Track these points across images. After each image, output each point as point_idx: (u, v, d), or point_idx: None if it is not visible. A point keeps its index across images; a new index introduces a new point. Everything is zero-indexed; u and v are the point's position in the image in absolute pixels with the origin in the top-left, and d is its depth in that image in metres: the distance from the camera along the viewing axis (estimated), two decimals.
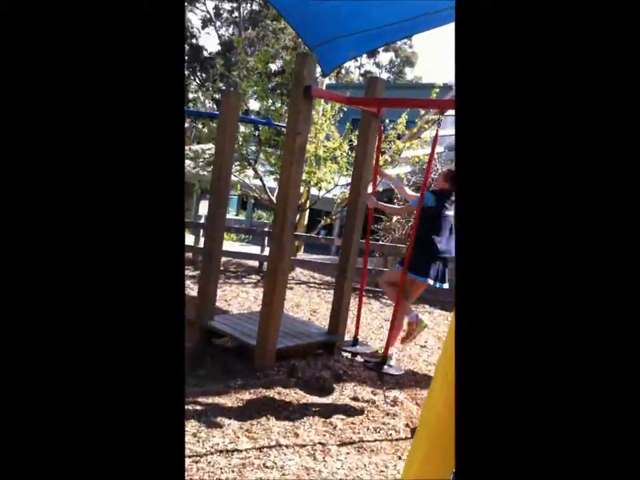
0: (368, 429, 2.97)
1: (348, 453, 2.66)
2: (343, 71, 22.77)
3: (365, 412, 3.19)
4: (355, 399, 3.36)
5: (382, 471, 2.54)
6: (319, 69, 6.90)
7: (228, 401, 3.11)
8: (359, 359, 3.91)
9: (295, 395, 3.29)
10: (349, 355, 4.08)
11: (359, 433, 2.91)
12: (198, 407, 2.97)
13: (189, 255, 7.73)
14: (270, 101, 7.60)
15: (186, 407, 2.96)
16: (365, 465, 2.57)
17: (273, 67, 13.32)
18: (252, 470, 2.39)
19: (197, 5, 28.88)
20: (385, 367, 3.38)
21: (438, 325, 5.53)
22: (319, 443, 2.73)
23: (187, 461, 2.40)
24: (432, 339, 4.99)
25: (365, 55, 27.35)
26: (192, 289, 5.92)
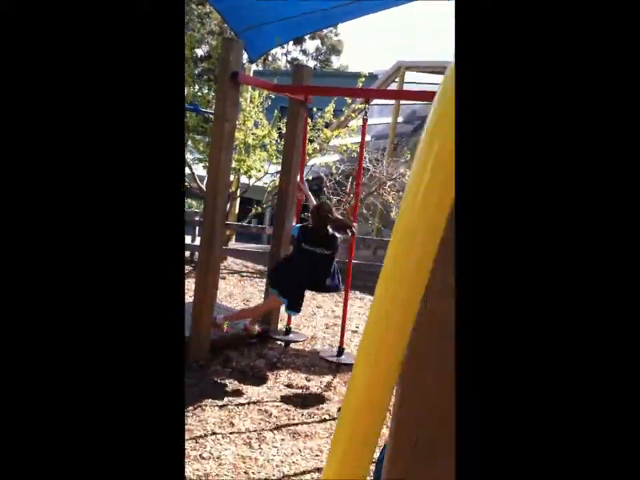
0: (302, 415, 3.02)
1: (283, 439, 2.70)
2: (270, 58, 22.58)
3: (299, 398, 3.24)
4: (289, 385, 3.40)
5: (317, 455, 2.60)
6: (245, 55, 6.82)
7: None
8: (320, 353, 3.93)
9: (230, 385, 3.29)
10: (283, 344, 4.11)
11: (293, 419, 2.95)
12: None
13: None
14: (197, 87, 7.42)
15: None
16: (300, 450, 2.62)
17: (199, 52, 13.00)
18: (188, 462, 2.38)
19: None
20: (342, 357, 3.56)
21: (368, 310, 5.67)
22: (254, 431, 2.75)
23: None
24: (363, 325, 5.11)
25: (291, 42, 27.23)
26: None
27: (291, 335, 4.00)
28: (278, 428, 2.82)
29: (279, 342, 4.08)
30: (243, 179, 7.42)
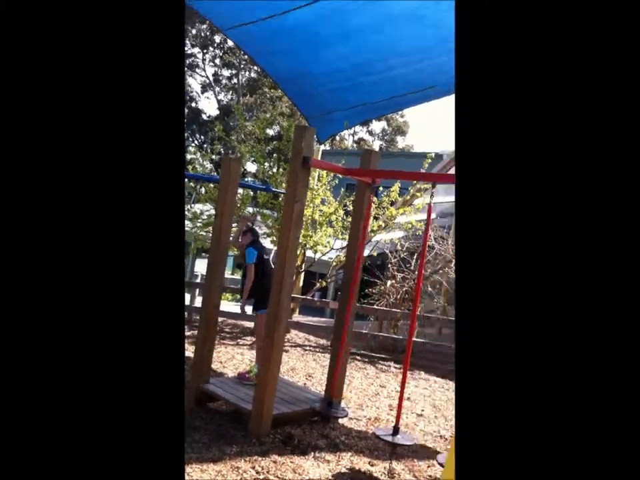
0: None
1: None
2: (338, 138, 23.51)
3: None
4: (352, 469, 3.32)
5: None
6: (315, 137, 7.18)
7: (223, 468, 3.06)
8: (375, 431, 3.69)
9: (290, 464, 3.25)
10: (344, 423, 4.05)
11: None
12: (193, 474, 2.92)
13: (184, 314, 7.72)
14: (267, 165, 7.83)
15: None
16: None
17: (270, 132, 13.76)
18: None
19: (197, 70, 30.06)
20: (398, 436, 3.36)
21: (434, 392, 5.49)
22: None
23: None
24: (428, 408, 4.94)
25: (358, 124, 28.32)
26: (187, 350, 5.88)
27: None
28: None
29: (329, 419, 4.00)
30: (309, 253, 7.60)
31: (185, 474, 2.88)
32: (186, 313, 7.60)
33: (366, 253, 5.58)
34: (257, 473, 3.07)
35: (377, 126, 31.67)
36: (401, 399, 3.64)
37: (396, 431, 3.48)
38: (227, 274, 18.87)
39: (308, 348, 6.99)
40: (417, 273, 6.70)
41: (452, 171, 8.16)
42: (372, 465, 3.41)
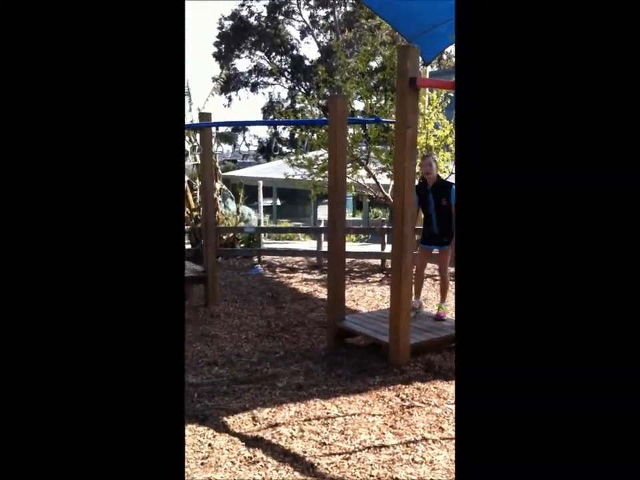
0: None
1: None
2: (445, 56, 22.15)
3: None
4: None
5: None
6: (420, 59, 6.79)
7: (369, 398, 3.17)
8: None
9: (434, 390, 3.27)
10: None
11: None
12: (342, 406, 3.06)
13: (313, 259, 7.98)
14: (374, 99, 7.61)
15: (331, 405, 3.07)
16: None
17: (374, 64, 13.32)
18: (401, 465, 2.42)
19: (294, 16, 29.74)
20: None
21: None
22: None
23: (337, 458, 2.48)
24: None
25: None
26: (320, 292, 6.10)
27: None
28: None
29: None
30: None
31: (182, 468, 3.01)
32: (315, 258, 7.85)
33: None
34: (402, 400, 3.13)
35: None
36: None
37: None
38: (349, 216, 19.17)
39: (438, 278, 6.89)
40: None
41: None
42: None
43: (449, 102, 6.95)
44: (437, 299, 5.76)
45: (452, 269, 4.72)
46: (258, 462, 2.47)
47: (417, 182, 4.22)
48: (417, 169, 5.99)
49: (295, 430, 2.78)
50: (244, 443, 2.65)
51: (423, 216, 4.54)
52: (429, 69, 8.06)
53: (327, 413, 2.98)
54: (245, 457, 2.51)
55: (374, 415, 2.94)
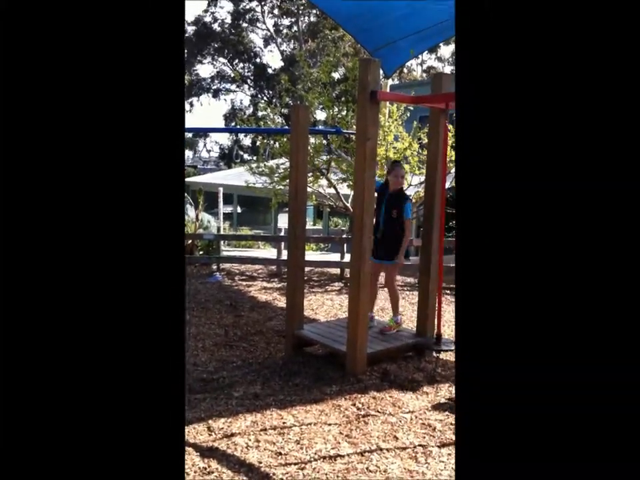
0: None
1: (449, 454, 2.64)
2: (405, 70, 22.58)
3: None
4: (451, 399, 3.33)
5: None
6: (381, 72, 6.91)
7: (326, 407, 3.18)
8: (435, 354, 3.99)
9: (389, 399, 3.31)
10: (439, 355, 4.07)
11: None
12: (298, 415, 3.06)
13: (273, 267, 7.96)
14: (336, 109, 7.68)
15: (287, 415, 3.06)
16: None
17: (336, 75, 13.46)
18: (356, 474, 2.43)
19: (258, 24, 29.76)
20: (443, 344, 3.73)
21: None
22: (420, 445, 2.73)
23: (293, 468, 2.48)
24: None
25: (425, 52, 26.94)
26: (279, 301, 6.08)
27: (442, 344, 4.00)
28: (443, 442, 2.77)
29: (434, 353, 4.07)
30: None
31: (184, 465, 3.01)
32: (275, 267, 7.83)
33: (447, 185, 5.37)
34: (358, 409, 3.15)
35: (446, 50, 30.03)
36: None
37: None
38: (309, 224, 19.21)
39: (400, 290, 6.98)
40: None
41: None
42: None
43: (408, 115, 7.09)
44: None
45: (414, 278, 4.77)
46: (212, 472, 2.44)
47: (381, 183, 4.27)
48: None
49: (250, 440, 2.76)
50: (198, 454, 2.61)
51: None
52: (389, 82, 8.20)
53: (283, 423, 2.97)
54: (199, 468, 2.47)
55: (330, 424, 2.95)
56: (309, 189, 7.15)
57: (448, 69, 29.33)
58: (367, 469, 2.49)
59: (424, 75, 27.96)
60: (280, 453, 2.62)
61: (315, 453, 2.62)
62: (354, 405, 3.22)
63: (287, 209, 4.84)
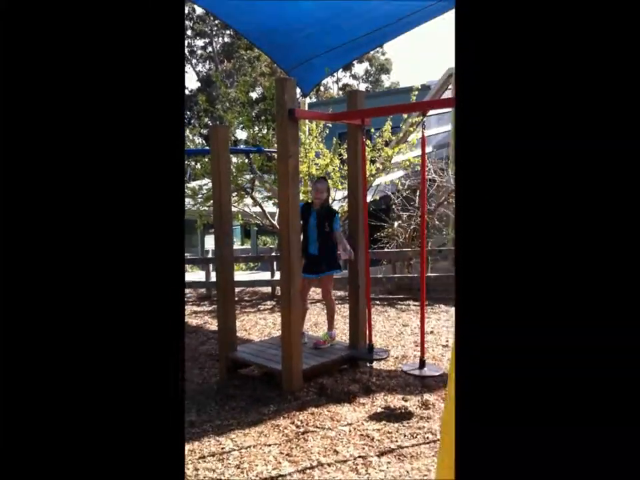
0: (405, 436, 2.99)
1: (389, 462, 2.69)
2: (322, 88, 23.04)
3: (399, 419, 3.21)
4: (387, 407, 3.39)
5: (425, 475, 2.56)
6: (298, 90, 7.02)
7: (264, 428, 3.14)
8: (402, 367, 4.00)
9: (327, 413, 3.32)
10: (373, 365, 4.14)
11: (396, 441, 2.93)
12: (237, 439, 3.00)
13: (202, 290, 7.80)
14: (256, 129, 7.71)
15: (226, 440, 3.00)
16: (407, 472, 2.59)
17: (254, 94, 13.51)
18: None
19: None
20: (425, 369, 3.60)
21: None
22: (359, 457, 2.76)
23: None
24: (452, 338, 5.00)
25: (340, 70, 27.66)
26: (211, 324, 5.96)
27: (375, 353, 4.08)
28: (382, 451, 2.81)
29: (367, 363, 4.14)
30: None
31: (185, 465, 2.95)
32: (204, 289, 7.68)
33: (369, 198, 5.53)
34: (297, 427, 3.14)
35: (360, 68, 31.06)
36: (422, 333, 3.70)
37: (422, 364, 3.59)
38: (237, 244, 19.00)
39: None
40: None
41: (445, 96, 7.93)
42: (405, 401, 3.48)
43: (327, 132, 7.23)
44: (324, 323, 5.89)
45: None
46: None
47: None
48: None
49: (189, 469, 2.68)
50: None
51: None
52: (307, 100, 8.34)
53: (222, 449, 2.90)
54: None
55: (270, 445, 2.92)
56: (234, 209, 7.09)
57: (363, 86, 30.26)
58: None
59: (340, 92, 28.67)
60: None
61: (257, 476, 2.58)
62: (293, 422, 3.21)
63: (213, 230, 4.77)
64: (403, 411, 3.32)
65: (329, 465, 2.68)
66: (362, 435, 3.02)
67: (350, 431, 3.06)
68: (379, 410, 3.37)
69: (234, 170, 6.95)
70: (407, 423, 3.16)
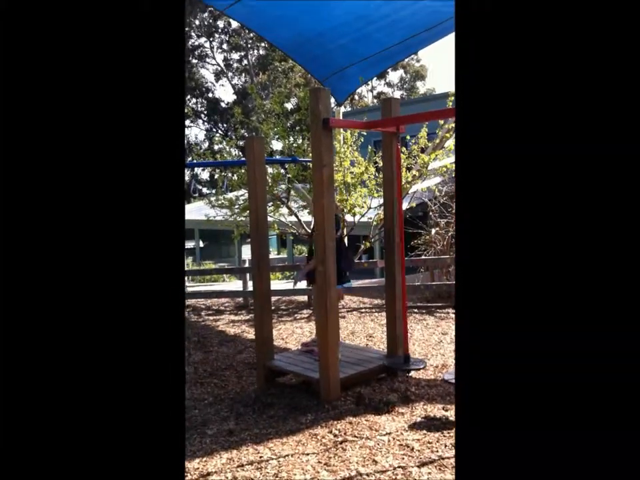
0: (446, 446, 2.93)
1: (429, 473, 2.64)
2: (357, 97, 23.09)
3: (440, 429, 3.15)
4: (427, 417, 3.33)
5: None
6: (333, 100, 7.06)
7: (302, 437, 3.13)
8: (443, 376, 3.95)
9: (366, 422, 3.29)
10: (411, 374, 4.08)
11: (437, 451, 2.88)
12: (275, 448, 3.01)
13: (239, 299, 7.88)
14: (291, 139, 7.77)
15: (264, 449, 3.01)
16: None
17: (289, 105, 13.65)
18: None
19: (207, 59, 30.00)
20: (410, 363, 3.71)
21: None
22: (399, 467, 2.71)
23: None
24: None
25: (375, 78, 27.67)
26: (249, 333, 6.01)
27: (411, 364, 4.04)
28: (422, 461, 2.76)
29: (403, 372, 4.11)
30: (348, 218, 7.55)
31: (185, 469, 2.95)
32: (242, 299, 7.76)
33: (405, 205, 5.49)
34: (335, 436, 3.12)
35: (395, 76, 30.96)
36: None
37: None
38: (273, 254, 19.14)
39: (364, 310, 7.01)
40: None
41: None
42: (446, 410, 3.41)
43: (362, 140, 7.23)
44: (362, 331, 5.85)
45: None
46: None
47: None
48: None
49: (227, 477, 2.69)
50: None
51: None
52: (342, 109, 8.37)
53: (260, 457, 2.91)
54: None
55: (308, 454, 2.91)
56: (270, 218, 7.16)
57: (397, 94, 30.17)
58: None
59: (375, 100, 28.65)
60: None
61: None
62: (330, 432, 3.19)
63: (250, 240, 4.82)
64: (443, 420, 3.26)
65: (367, 475, 2.65)
66: (401, 444, 2.97)
67: (389, 441, 3.02)
68: (419, 419, 3.32)
69: (270, 180, 7.02)
70: (448, 432, 3.09)
